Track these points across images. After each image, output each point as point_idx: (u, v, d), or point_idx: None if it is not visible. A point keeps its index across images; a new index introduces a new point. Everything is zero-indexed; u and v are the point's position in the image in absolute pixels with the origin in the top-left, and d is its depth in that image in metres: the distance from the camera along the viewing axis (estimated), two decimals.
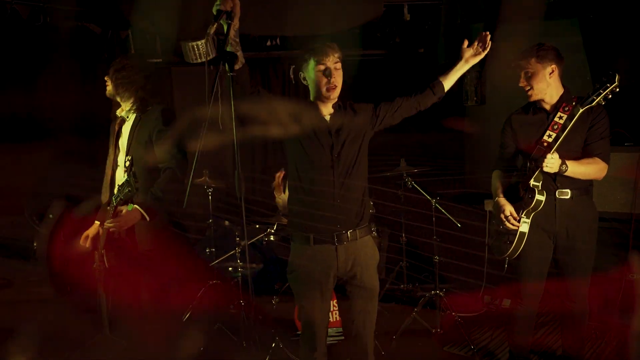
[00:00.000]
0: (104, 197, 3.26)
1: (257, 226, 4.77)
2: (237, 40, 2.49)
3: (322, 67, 2.62)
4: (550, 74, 3.06)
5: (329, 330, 3.88)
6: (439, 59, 5.88)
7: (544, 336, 4.01)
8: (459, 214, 4.64)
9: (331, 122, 2.70)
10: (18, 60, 5.46)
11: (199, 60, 6.17)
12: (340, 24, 5.51)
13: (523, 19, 4.74)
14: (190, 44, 6.14)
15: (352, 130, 2.71)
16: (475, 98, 5.59)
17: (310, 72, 2.66)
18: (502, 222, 3.13)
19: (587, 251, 3.11)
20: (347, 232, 2.67)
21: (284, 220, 4.42)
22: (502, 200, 3.16)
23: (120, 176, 3.17)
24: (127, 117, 3.24)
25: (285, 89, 6.62)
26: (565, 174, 2.98)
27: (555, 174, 3.01)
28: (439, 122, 5.20)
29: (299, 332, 3.79)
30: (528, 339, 3.33)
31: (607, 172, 3.08)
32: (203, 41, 6.15)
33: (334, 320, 4.01)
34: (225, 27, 2.45)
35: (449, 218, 4.37)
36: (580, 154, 3.05)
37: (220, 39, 2.37)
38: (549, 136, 3.01)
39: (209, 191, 4.63)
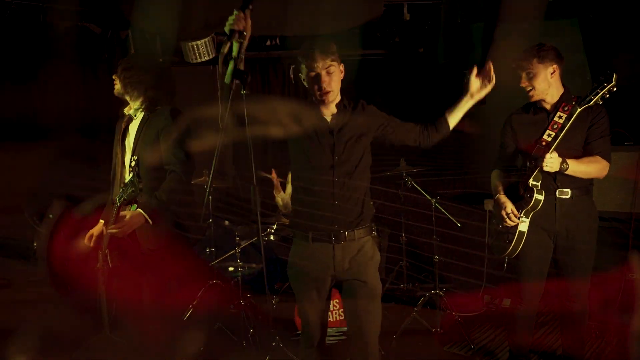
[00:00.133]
0: (114, 195, 3.24)
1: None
2: (243, 57, 2.50)
3: (312, 74, 2.63)
4: (551, 74, 3.07)
5: (329, 330, 3.88)
6: (439, 58, 5.88)
7: (543, 336, 4.02)
8: (459, 213, 4.64)
9: (333, 122, 2.70)
10: (18, 60, 5.46)
11: (199, 60, 6.20)
12: (340, 23, 5.51)
13: (523, 19, 4.74)
14: (190, 43, 6.18)
15: (355, 131, 2.70)
16: None
17: (304, 76, 2.68)
18: (502, 219, 3.13)
19: (587, 251, 3.11)
20: (345, 232, 2.67)
21: (284, 220, 4.42)
22: (503, 198, 3.16)
23: (125, 175, 3.17)
24: (135, 115, 3.23)
25: (285, 89, 6.62)
26: (567, 172, 2.99)
27: (556, 173, 3.02)
28: None
29: (298, 332, 3.80)
30: (528, 339, 3.33)
31: (608, 171, 3.09)
32: (203, 41, 6.17)
33: (334, 320, 4.01)
34: (237, 46, 2.44)
35: (449, 218, 4.37)
36: (582, 153, 3.06)
37: (234, 58, 2.37)
38: (549, 135, 3.02)
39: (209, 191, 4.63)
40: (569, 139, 3.00)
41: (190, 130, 3.06)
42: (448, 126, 2.86)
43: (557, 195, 3.07)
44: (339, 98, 2.74)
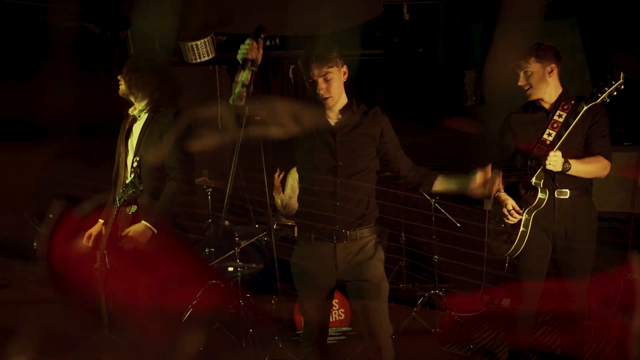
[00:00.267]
0: (115, 195, 3.24)
1: (257, 226, 4.78)
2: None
3: (310, 81, 2.64)
4: (549, 73, 3.08)
5: (329, 330, 3.88)
6: (439, 58, 5.88)
7: (543, 336, 4.02)
8: (458, 213, 4.64)
9: (336, 125, 2.71)
10: (17, 60, 5.45)
11: (198, 60, 6.20)
12: (340, 23, 5.51)
13: (522, 19, 4.74)
14: (189, 44, 6.17)
15: (360, 135, 2.70)
16: (474, 98, 5.61)
17: (305, 80, 2.69)
18: (503, 217, 3.13)
19: (586, 251, 3.11)
20: (347, 231, 2.67)
21: (284, 220, 4.43)
22: (503, 195, 3.15)
23: (128, 177, 3.17)
24: (139, 116, 3.23)
25: (284, 89, 6.61)
26: (569, 172, 2.99)
27: (555, 173, 3.02)
28: (439, 122, 5.21)
29: (298, 332, 3.80)
30: (527, 339, 3.33)
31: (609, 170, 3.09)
32: (202, 41, 6.17)
33: (334, 320, 4.01)
34: (248, 74, 2.47)
35: (449, 218, 4.37)
36: (582, 153, 3.06)
37: (246, 85, 2.43)
38: (549, 135, 3.03)
39: (208, 191, 4.63)
40: (570, 138, 3.00)
41: (190, 131, 3.06)
42: (430, 187, 2.81)
43: (556, 196, 3.07)
44: (344, 101, 2.74)
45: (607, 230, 3.82)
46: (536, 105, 3.16)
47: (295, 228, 4.61)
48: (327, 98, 2.65)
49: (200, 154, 3.12)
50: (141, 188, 3.00)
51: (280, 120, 2.60)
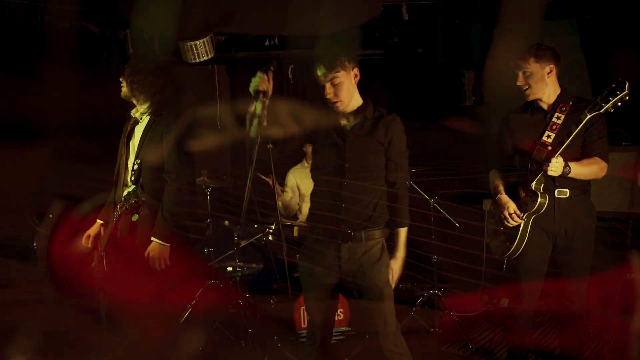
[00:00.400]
0: (117, 196, 3.24)
1: (256, 226, 4.78)
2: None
3: (319, 84, 2.68)
4: (548, 73, 3.07)
5: None
6: (438, 58, 5.89)
7: (542, 336, 4.02)
8: (458, 213, 4.65)
9: (346, 128, 2.73)
10: (16, 59, 5.45)
11: (198, 60, 6.20)
12: (339, 23, 5.51)
13: (522, 20, 4.75)
14: (189, 43, 6.16)
15: (370, 139, 2.71)
16: (473, 98, 5.61)
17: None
18: (504, 220, 3.13)
19: (585, 251, 3.11)
20: (352, 233, 2.68)
21: (284, 221, 4.43)
22: (505, 198, 3.16)
23: (128, 179, 3.17)
24: (141, 119, 3.22)
25: (283, 89, 6.61)
26: (569, 175, 2.99)
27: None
28: (439, 121, 5.21)
29: (297, 332, 3.81)
30: (526, 339, 3.33)
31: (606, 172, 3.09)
32: (202, 41, 6.17)
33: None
34: (260, 105, 2.51)
35: (448, 218, 4.38)
36: (580, 155, 3.06)
37: (259, 116, 2.55)
38: (548, 137, 3.03)
39: (208, 191, 4.63)
40: (570, 142, 2.99)
41: (190, 132, 3.07)
42: (394, 226, 2.79)
43: (556, 195, 3.07)
44: (358, 103, 2.75)
45: (606, 230, 3.83)
46: (534, 105, 3.16)
47: (295, 228, 4.62)
48: (335, 102, 2.66)
49: (199, 154, 3.12)
50: (143, 199, 3.03)
51: (295, 122, 2.63)
